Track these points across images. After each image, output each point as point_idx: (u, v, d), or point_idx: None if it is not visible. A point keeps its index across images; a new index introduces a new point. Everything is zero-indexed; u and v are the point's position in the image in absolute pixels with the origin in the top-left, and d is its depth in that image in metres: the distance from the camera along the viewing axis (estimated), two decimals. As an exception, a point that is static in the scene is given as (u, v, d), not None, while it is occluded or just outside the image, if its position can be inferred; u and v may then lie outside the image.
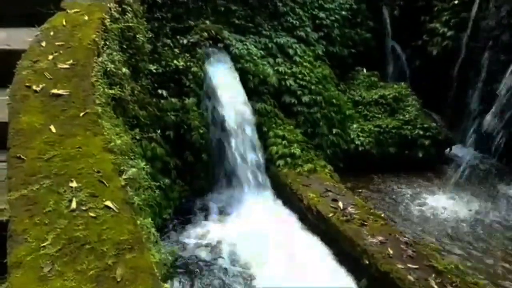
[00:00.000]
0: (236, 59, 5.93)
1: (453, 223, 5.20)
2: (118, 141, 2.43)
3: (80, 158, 2.12)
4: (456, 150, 6.96)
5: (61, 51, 2.88)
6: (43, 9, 3.59)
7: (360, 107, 6.82)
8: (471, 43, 6.85)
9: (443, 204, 5.61)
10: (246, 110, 5.75)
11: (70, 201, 1.88)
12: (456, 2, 7.10)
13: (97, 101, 2.55)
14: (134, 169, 2.33)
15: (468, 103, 6.96)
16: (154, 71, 5.22)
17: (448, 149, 6.91)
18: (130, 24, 4.14)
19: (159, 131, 4.73)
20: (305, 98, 6.18)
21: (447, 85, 7.20)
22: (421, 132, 6.46)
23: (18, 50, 3.02)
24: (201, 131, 5.41)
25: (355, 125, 6.54)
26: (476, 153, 6.75)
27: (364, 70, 7.35)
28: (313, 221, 4.75)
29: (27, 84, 2.55)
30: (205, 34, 5.84)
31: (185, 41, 5.72)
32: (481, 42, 6.73)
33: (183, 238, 4.80)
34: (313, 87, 6.29)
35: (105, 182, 2.01)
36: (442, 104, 7.31)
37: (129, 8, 4.26)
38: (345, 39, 7.37)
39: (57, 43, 2.96)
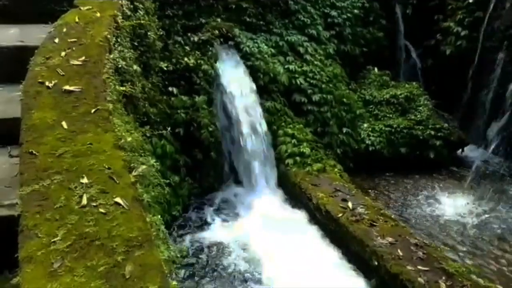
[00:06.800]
0: (246, 57, 5.92)
1: (464, 224, 5.13)
2: (129, 138, 2.43)
3: (91, 154, 2.13)
4: (469, 151, 6.85)
5: (73, 48, 2.90)
6: (56, 6, 3.62)
7: (371, 106, 6.76)
8: (486, 43, 6.73)
9: (455, 205, 5.53)
10: (256, 108, 5.74)
11: (81, 197, 1.88)
12: (470, 1, 6.98)
13: (108, 98, 2.56)
14: (144, 166, 2.33)
15: (481, 103, 6.84)
16: (165, 68, 5.24)
17: (461, 150, 6.81)
18: (142, 22, 4.16)
19: (169, 129, 4.74)
20: (316, 97, 6.14)
21: (460, 85, 7.08)
22: (432, 133, 6.37)
23: (32, 47, 3.05)
24: (211, 129, 5.41)
25: (365, 125, 6.48)
26: (490, 154, 6.62)
27: (376, 69, 7.27)
28: (322, 221, 4.73)
29: (40, 80, 2.57)
30: (216, 31, 5.84)
31: (196, 39, 5.72)
32: (496, 41, 6.61)
33: (191, 235, 4.81)
34: (323, 85, 6.24)
35: (115, 179, 2.01)
36: (455, 104, 7.20)
37: (140, 6, 4.29)
38: (357, 38, 7.30)
39: (69, 40, 2.98)
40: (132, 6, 4.08)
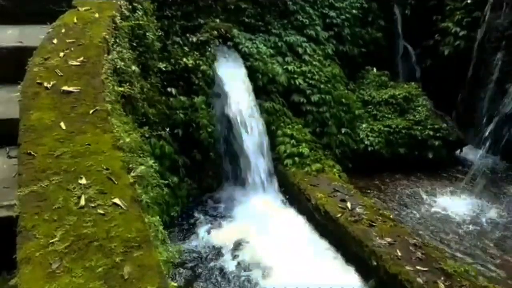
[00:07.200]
0: (245, 58, 5.92)
1: (463, 225, 5.13)
2: (127, 139, 2.43)
3: (90, 155, 2.12)
4: (467, 151, 6.86)
5: (72, 48, 2.90)
6: (55, 7, 3.62)
7: (369, 106, 6.76)
8: (484, 43, 6.74)
9: (453, 205, 5.54)
10: (255, 109, 5.74)
11: (79, 198, 1.88)
12: (468, 1, 6.99)
13: (107, 99, 2.55)
14: (142, 167, 2.33)
15: (479, 104, 6.85)
16: (164, 69, 5.24)
17: (459, 150, 6.82)
18: (140, 22, 4.16)
19: (167, 129, 4.74)
20: (314, 97, 6.14)
21: (459, 86, 7.10)
22: (431, 133, 6.38)
23: (30, 47, 3.05)
24: (210, 129, 5.42)
25: (364, 125, 6.49)
26: (488, 155, 6.64)
27: (374, 70, 7.28)
28: (321, 221, 4.73)
29: (38, 81, 2.56)
30: (215, 32, 5.84)
31: (194, 39, 5.72)
32: (494, 42, 6.62)
33: (190, 236, 4.81)
34: (322, 86, 6.25)
35: (113, 180, 2.01)
36: (454, 104, 7.21)
37: (139, 6, 4.28)
38: (355, 38, 7.31)
39: (68, 41, 2.98)
40: (130, 7, 4.07)
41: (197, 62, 5.53)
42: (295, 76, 6.16)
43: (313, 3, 6.91)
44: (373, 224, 4.24)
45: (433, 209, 5.48)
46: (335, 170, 5.61)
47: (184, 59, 5.46)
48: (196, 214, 5.24)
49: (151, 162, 2.73)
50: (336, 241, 4.49)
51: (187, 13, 5.86)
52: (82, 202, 1.86)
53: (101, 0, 3.72)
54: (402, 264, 3.65)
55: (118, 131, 2.41)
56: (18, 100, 2.47)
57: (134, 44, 4.14)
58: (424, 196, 5.80)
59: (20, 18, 3.92)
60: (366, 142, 6.29)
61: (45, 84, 2.54)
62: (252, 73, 5.87)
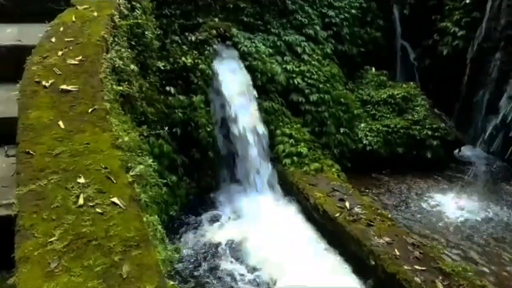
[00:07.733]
0: (244, 57, 5.92)
1: (461, 224, 5.15)
2: (126, 138, 2.43)
3: (88, 154, 2.12)
4: (466, 151, 6.88)
5: (70, 47, 2.89)
6: (54, 5, 3.61)
7: (368, 106, 6.77)
8: (483, 43, 6.76)
9: (452, 205, 5.55)
10: (254, 108, 5.74)
11: (78, 197, 1.88)
12: (467, 1, 7.00)
13: (106, 98, 2.55)
14: (141, 166, 2.33)
15: (478, 103, 6.87)
16: (162, 68, 5.23)
17: (457, 150, 6.83)
18: (139, 21, 4.15)
19: (166, 128, 4.74)
20: (313, 97, 6.14)
21: (457, 85, 7.11)
22: (429, 133, 6.39)
23: (29, 46, 3.04)
24: (208, 128, 5.41)
25: (363, 125, 6.49)
26: (486, 154, 6.66)
27: (373, 69, 7.29)
28: (320, 220, 4.74)
29: (36, 79, 2.56)
30: (214, 31, 5.84)
31: (193, 38, 5.72)
32: (493, 42, 6.63)
33: (189, 235, 4.81)
34: (321, 85, 6.25)
35: (112, 179, 2.01)
36: (452, 104, 7.23)
37: (138, 5, 4.27)
38: (354, 38, 7.32)
39: (66, 39, 2.97)
40: (129, 5, 4.07)
41: (196, 61, 5.53)
42: (294, 75, 6.16)
43: (312, 2, 6.92)
44: (372, 223, 4.25)
45: (431, 209, 5.49)
46: (333, 169, 5.62)
47: (183, 58, 5.45)
48: (195, 213, 5.24)
49: (149, 161, 2.73)
50: (334, 241, 4.50)
51: (186, 12, 5.86)
52: (81, 201, 1.86)
53: (99, -2, 3.71)
54: (400, 264, 3.66)
55: (117, 130, 2.41)
56: (17, 99, 2.46)
57: (133, 43, 4.14)
58: (422, 196, 5.81)
59: (20, 17, 3.91)
60: (364, 142, 6.30)
61: (44, 83, 2.54)
62: (251, 73, 5.87)
